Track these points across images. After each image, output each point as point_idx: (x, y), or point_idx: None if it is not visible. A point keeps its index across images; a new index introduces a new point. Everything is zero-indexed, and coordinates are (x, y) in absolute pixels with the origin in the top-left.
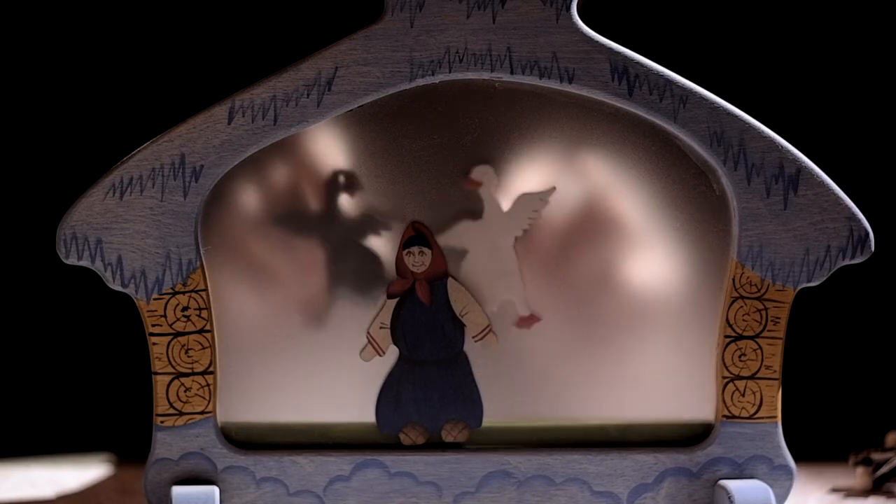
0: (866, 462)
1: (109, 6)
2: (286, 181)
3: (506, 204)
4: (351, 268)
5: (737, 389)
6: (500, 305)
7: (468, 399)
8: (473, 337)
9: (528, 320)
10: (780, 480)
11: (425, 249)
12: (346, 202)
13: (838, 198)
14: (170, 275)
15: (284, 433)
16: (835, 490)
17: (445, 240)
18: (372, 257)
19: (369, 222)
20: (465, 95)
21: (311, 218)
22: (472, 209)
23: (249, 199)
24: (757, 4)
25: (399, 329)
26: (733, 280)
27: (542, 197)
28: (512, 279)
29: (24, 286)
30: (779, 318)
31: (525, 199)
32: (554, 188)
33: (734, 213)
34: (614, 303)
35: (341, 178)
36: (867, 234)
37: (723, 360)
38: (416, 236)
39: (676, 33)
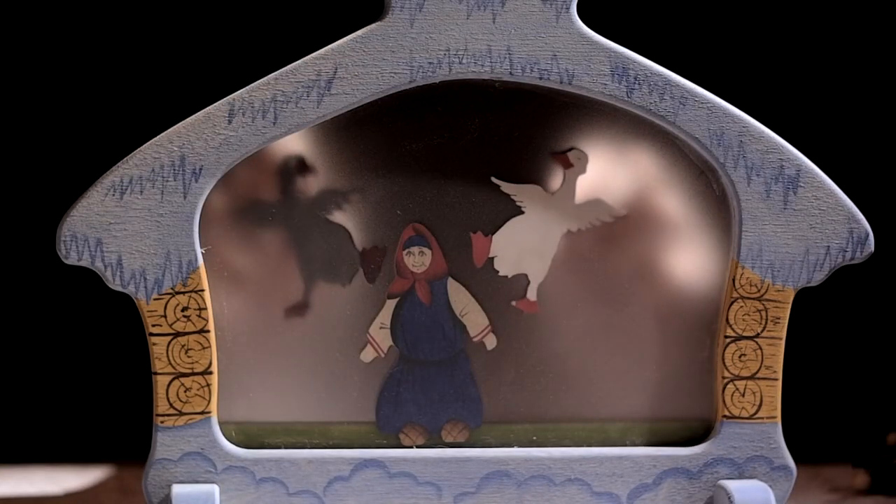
0: (866, 462)
1: (109, 6)
2: (285, 181)
3: (579, 197)
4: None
5: (737, 390)
6: (515, 275)
7: (468, 399)
8: (473, 337)
9: (530, 305)
10: (780, 481)
11: (425, 250)
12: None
13: (838, 198)
14: (170, 275)
15: (284, 433)
16: (835, 490)
17: (513, 189)
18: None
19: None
20: (465, 95)
21: (310, 218)
22: (550, 181)
23: (249, 199)
24: (757, 4)
25: (399, 329)
26: (733, 280)
27: (612, 212)
28: (541, 263)
29: (24, 286)
30: (779, 319)
31: (597, 204)
32: (626, 214)
33: (734, 214)
34: (614, 303)
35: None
36: (867, 234)
37: (723, 360)
38: (416, 237)
39: (676, 33)
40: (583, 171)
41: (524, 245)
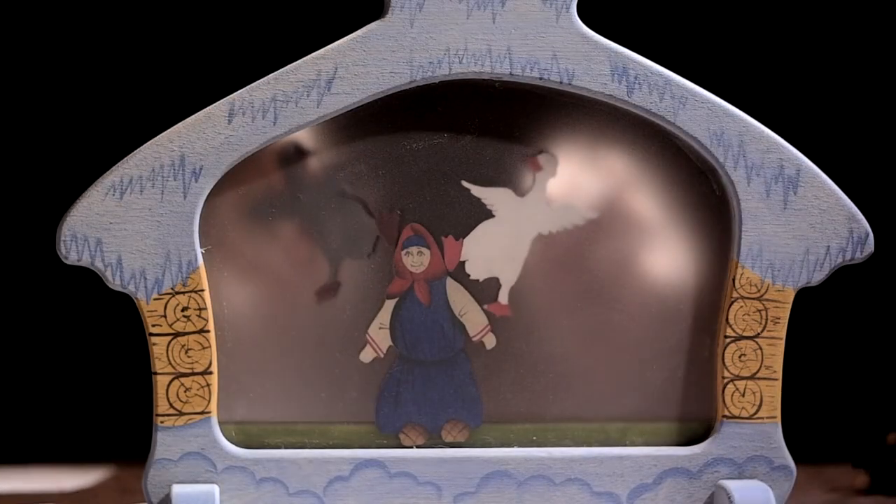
0: (866, 462)
1: (109, 6)
2: (285, 182)
3: (551, 200)
4: (350, 268)
5: (737, 390)
6: (485, 279)
7: (468, 399)
8: (473, 337)
9: (501, 308)
10: (780, 480)
11: (424, 250)
12: (345, 202)
13: (838, 198)
14: (170, 275)
15: (284, 433)
16: (835, 490)
17: (483, 193)
18: (370, 257)
19: (368, 222)
20: (465, 95)
21: (310, 218)
22: (520, 184)
23: (249, 198)
24: (757, 4)
25: (398, 329)
26: (733, 280)
27: (584, 214)
28: (512, 266)
29: (24, 286)
30: (779, 319)
31: (569, 209)
32: (597, 217)
33: (734, 214)
34: (614, 303)
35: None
36: (867, 234)
37: (723, 360)
38: (415, 237)
39: (676, 33)
40: (553, 174)
41: (495, 248)
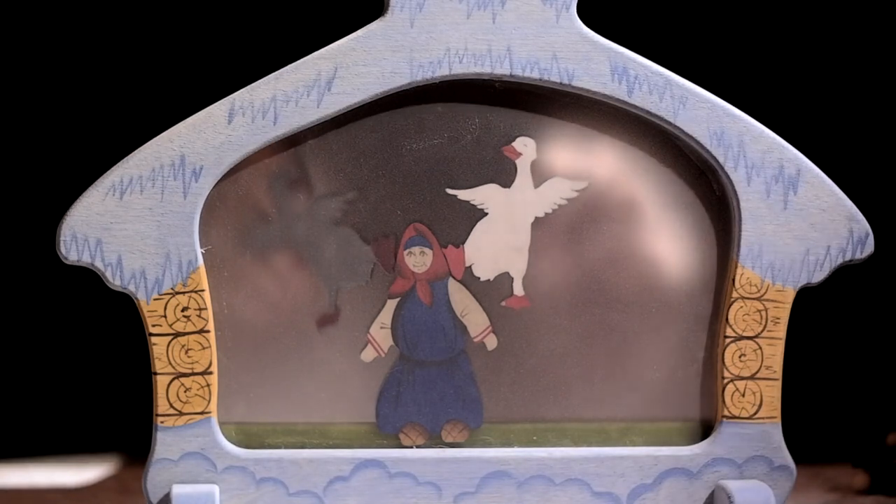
0: (866, 462)
1: (109, 6)
2: (285, 179)
3: (537, 182)
4: (351, 268)
5: (737, 390)
6: (497, 276)
7: (468, 399)
8: (474, 337)
9: (519, 301)
10: (780, 481)
11: (426, 250)
12: (346, 201)
13: (838, 198)
14: (170, 275)
15: (284, 433)
16: (835, 490)
17: (469, 195)
18: (372, 258)
19: (369, 223)
20: (465, 95)
21: (311, 217)
22: (504, 176)
23: (249, 198)
24: (757, 4)
25: (399, 329)
26: (733, 280)
27: (574, 187)
28: (519, 256)
29: (24, 286)
30: (779, 319)
31: (557, 184)
32: (587, 184)
33: (734, 214)
34: (614, 303)
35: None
36: (867, 234)
37: (723, 360)
38: (417, 237)
39: (677, 33)
40: (533, 155)
41: (497, 245)
